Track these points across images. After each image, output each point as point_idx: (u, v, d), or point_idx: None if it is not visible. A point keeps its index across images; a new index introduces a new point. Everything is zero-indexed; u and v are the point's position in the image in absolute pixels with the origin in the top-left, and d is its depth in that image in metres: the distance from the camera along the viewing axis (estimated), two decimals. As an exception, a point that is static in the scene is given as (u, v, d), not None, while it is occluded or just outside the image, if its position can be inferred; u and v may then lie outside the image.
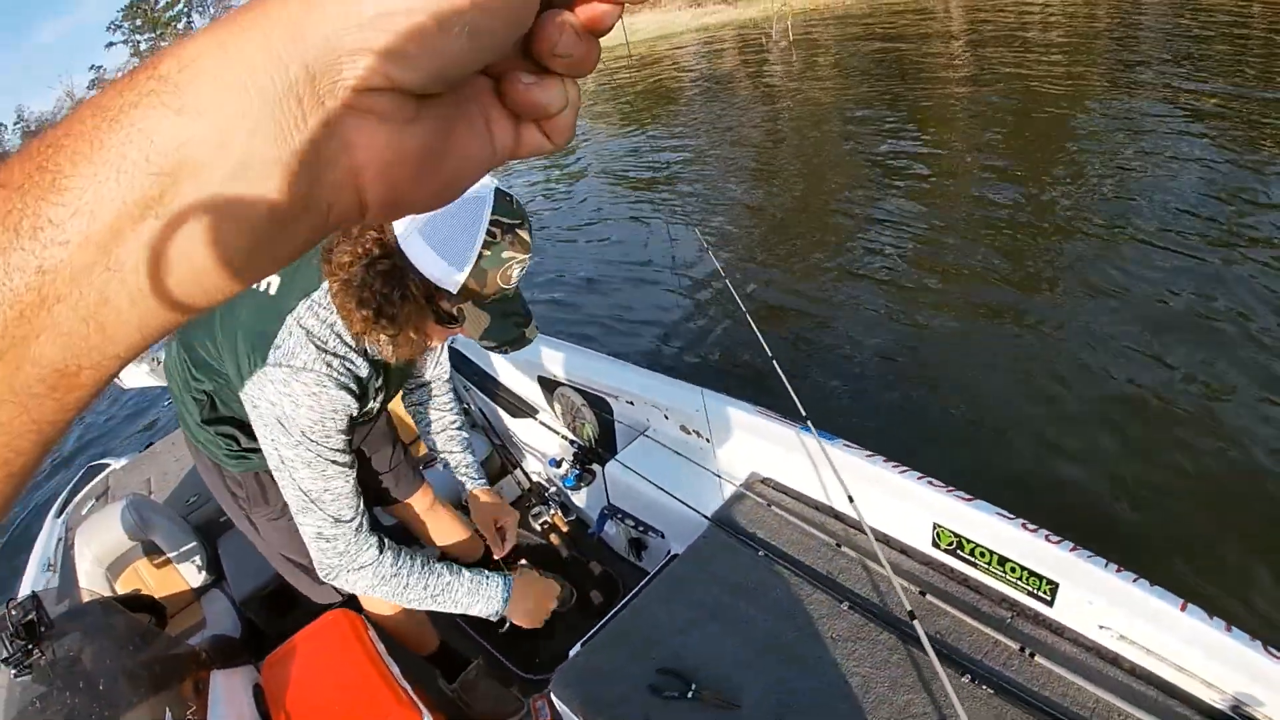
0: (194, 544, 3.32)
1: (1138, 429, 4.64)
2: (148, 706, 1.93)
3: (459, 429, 2.49)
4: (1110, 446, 4.56)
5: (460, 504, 2.82)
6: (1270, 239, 5.99)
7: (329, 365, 1.69)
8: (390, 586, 1.86)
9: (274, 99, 0.28)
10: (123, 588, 3.14)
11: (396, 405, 2.72)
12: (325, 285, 1.65)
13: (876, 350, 5.78)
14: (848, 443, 2.54)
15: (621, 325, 7.11)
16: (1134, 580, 1.96)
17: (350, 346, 1.75)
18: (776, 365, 2.63)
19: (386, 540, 1.89)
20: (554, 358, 3.46)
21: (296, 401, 1.65)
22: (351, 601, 2.44)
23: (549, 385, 3.55)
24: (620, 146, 14.92)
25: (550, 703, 2.21)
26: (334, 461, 1.74)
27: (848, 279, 6.85)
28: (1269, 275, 5.55)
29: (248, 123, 0.28)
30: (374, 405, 1.96)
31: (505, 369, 3.74)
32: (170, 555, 3.26)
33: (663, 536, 2.96)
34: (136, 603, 2.92)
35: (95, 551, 3.13)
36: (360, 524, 1.82)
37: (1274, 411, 4.50)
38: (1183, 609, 1.88)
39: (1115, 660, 2.01)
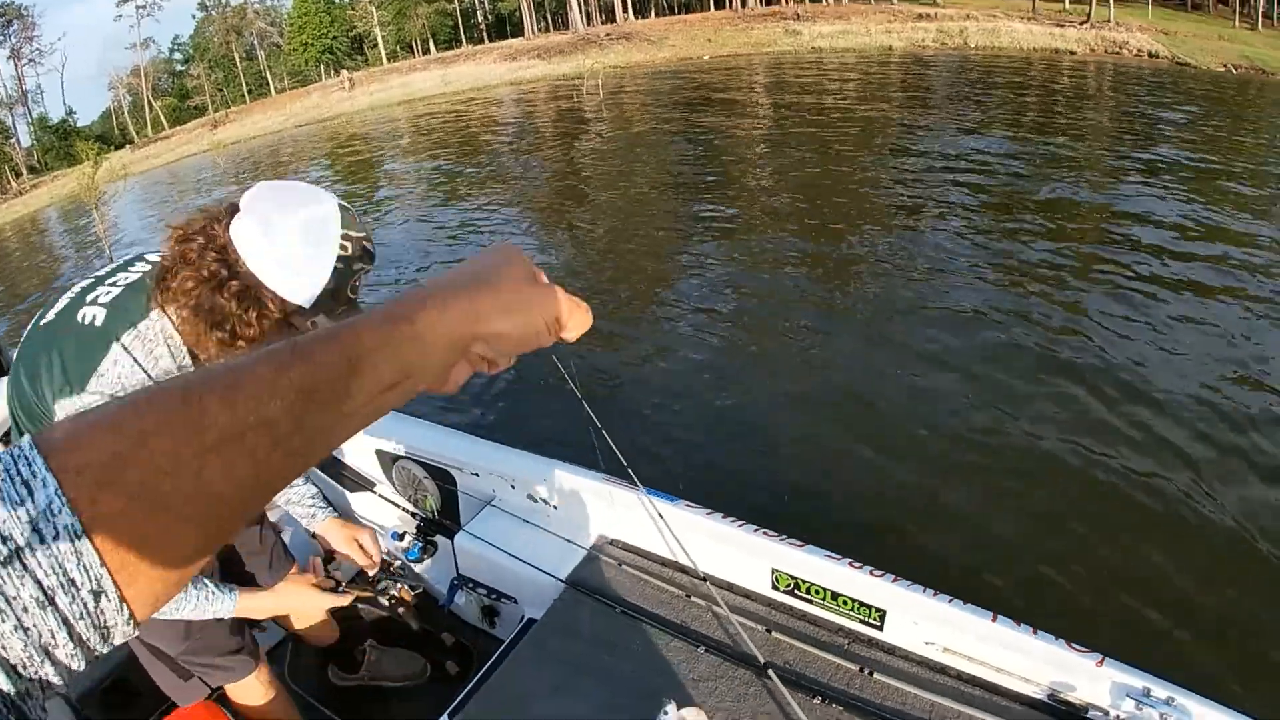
0: None
1: (936, 456, 5.23)
2: None
3: None
4: (916, 480, 5.10)
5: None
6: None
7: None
8: None
9: (452, 348, 0.62)
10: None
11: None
12: (153, 315, 1.61)
13: (702, 409, 6.20)
14: (689, 503, 2.72)
15: (450, 398, 7.05)
16: (950, 601, 2.23)
17: None
18: (608, 438, 2.76)
19: None
20: (391, 430, 3.42)
21: None
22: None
23: (388, 459, 3.52)
24: (436, 203, 15.00)
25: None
26: None
27: (663, 332, 7.26)
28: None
29: (441, 357, 0.62)
30: None
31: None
32: None
33: (515, 602, 3.00)
34: None
35: None
36: None
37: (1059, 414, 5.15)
38: (994, 620, 2.09)
39: (943, 670, 2.25)
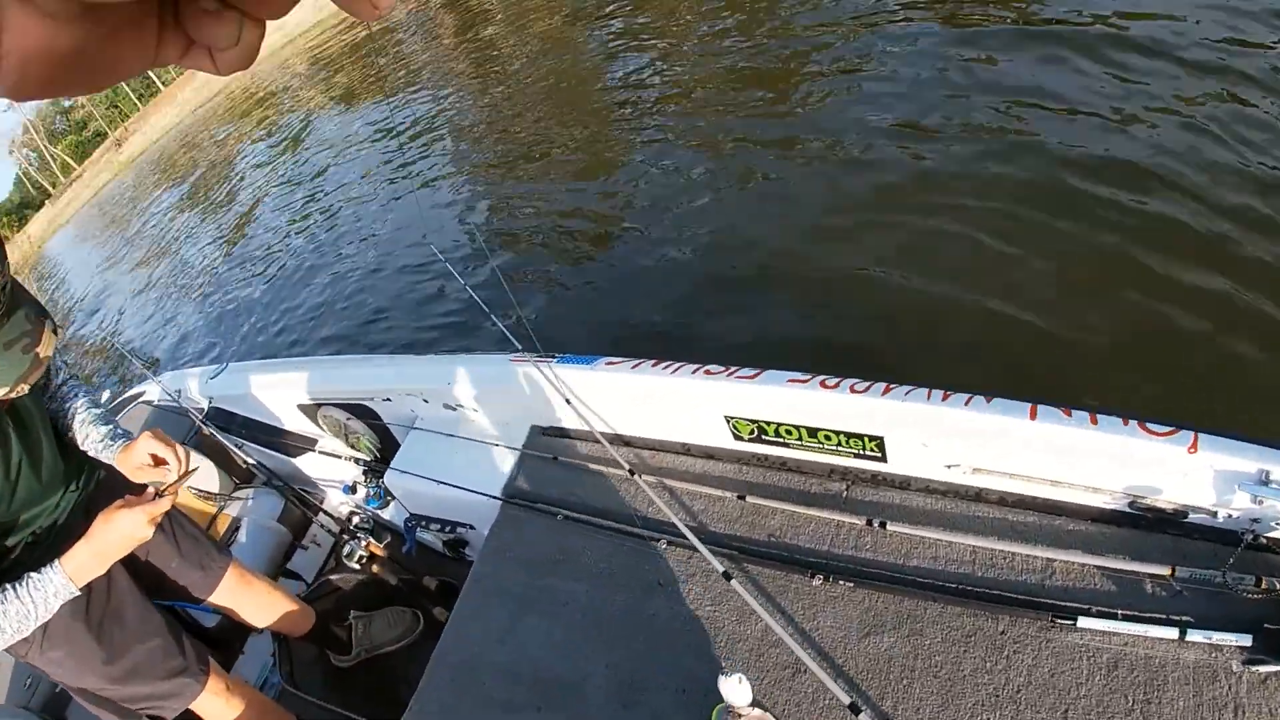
0: None
1: (881, 219, 4.39)
2: None
3: (88, 409, 2.00)
4: (869, 249, 4.26)
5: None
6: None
7: None
8: None
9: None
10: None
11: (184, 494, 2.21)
12: None
13: (600, 262, 5.51)
14: (610, 360, 2.16)
15: (339, 318, 6.66)
16: (966, 401, 1.63)
17: None
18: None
19: None
20: (297, 379, 2.95)
21: None
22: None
23: (310, 410, 3.07)
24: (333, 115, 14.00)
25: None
26: None
27: (547, 195, 6.57)
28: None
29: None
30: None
31: (267, 408, 3.25)
32: None
33: (473, 528, 2.59)
34: None
35: None
36: None
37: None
38: (1033, 415, 1.56)
39: (979, 497, 1.71)
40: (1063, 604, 1.49)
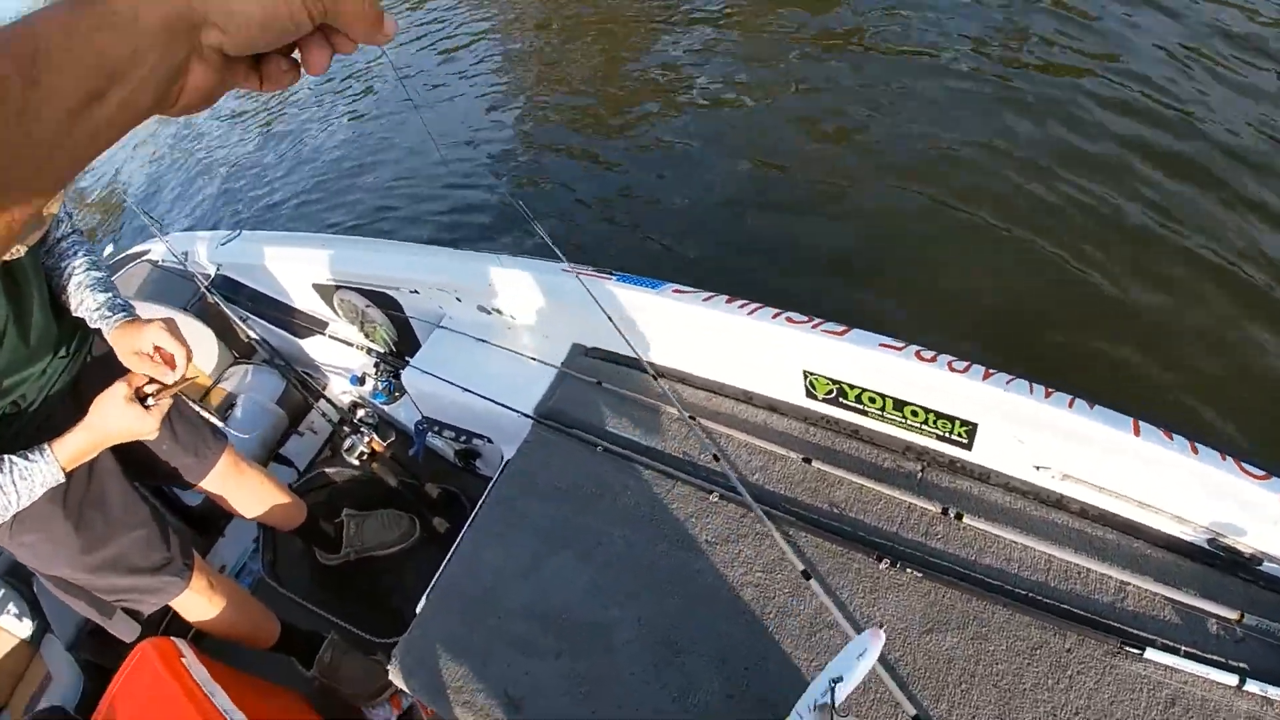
0: (4, 592, 2.76)
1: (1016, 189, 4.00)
2: None
3: (86, 270, 1.80)
4: (994, 226, 3.87)
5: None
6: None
7: None
8: None
9: (170, 36, 0.48)
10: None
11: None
12: None
13: (681, 185, 5.03)
14: (679, 287, 1.99)
15: (379, 205, 6.21)
16: (1070, 404, 1.52)
17: None
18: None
19: None
20: (321, 257, 2.73)
21: None
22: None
23: (326, 291, 2.88)
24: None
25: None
26: None
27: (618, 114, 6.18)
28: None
29: (156, 49, 0.48)
30: None
31: (279, 283, 3.04)
32: None
33: (490, 441, 2.43)
34: None
35: None
36: None
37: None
38: (1136, 431, 1.46)
39: (1060, 504, 1.61)
40: (1132, 631, 1.40)
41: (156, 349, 1.68)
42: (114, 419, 1.57)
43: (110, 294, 1.79)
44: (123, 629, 1.91)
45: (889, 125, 4.63)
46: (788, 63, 5.43)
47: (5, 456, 1.49)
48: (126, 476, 1.89)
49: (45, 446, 1.52)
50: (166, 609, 2.67)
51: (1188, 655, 1.34)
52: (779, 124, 4.94)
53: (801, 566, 1.46)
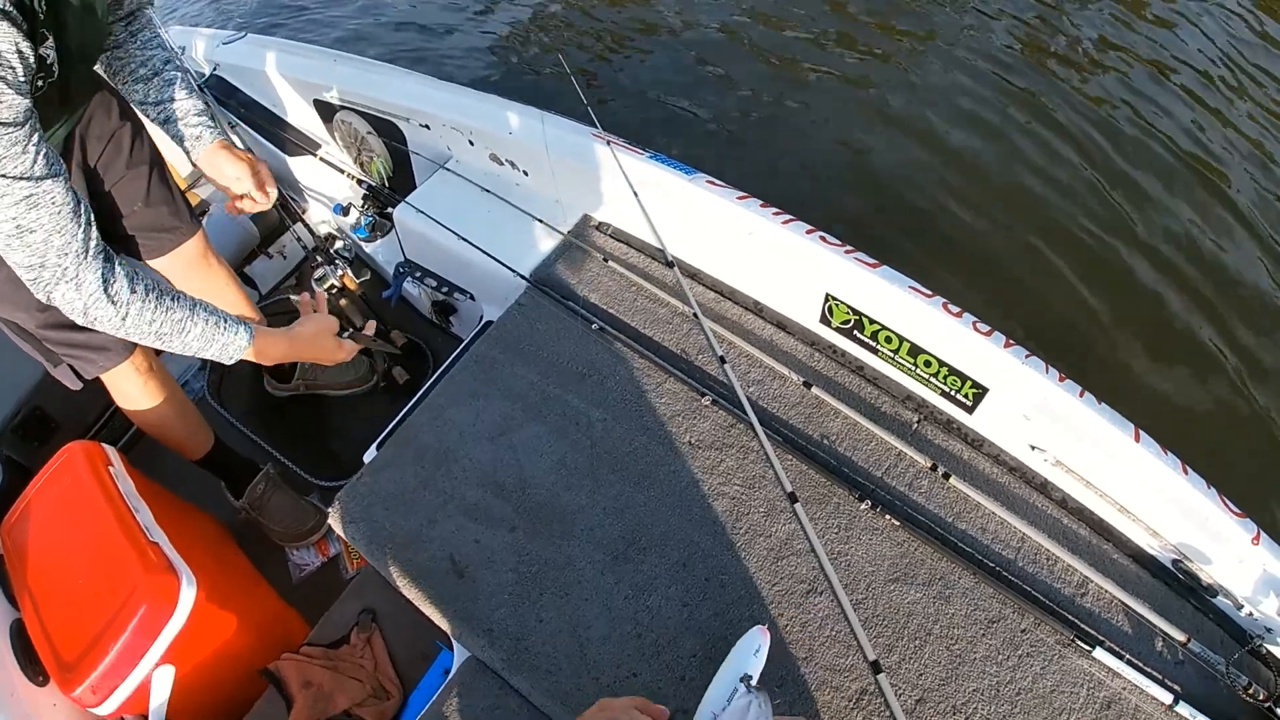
0: None
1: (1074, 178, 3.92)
2: None
3: (174, 69, 1.68)
4: (1039, 203, 3.81)
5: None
6: None
7: None
8: (107, 315, 1.33)
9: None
10: None
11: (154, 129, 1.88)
12: None
13: (731, 78, 4.80)
14: (712, 180, 1.88)
15: (404, 33, 5.77)
16: (1079, 395, 1.50)
17: None
18: (581, 86, 1.93)
19: (116, 263, 1.33)
20: (329, 73, 2.55)
21: None
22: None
23: (327, 110, 2.70)
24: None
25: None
26: (17, 144, 1.14)
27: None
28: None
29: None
30: (50, 51, 1.27)
31: (277, 94, 2.86)
32: None
33: (473, 299, 2.32)
34: None
35: None
36: (84, 250, 1.28)
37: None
38: (1136, 438, 1.46)
39: (1043, 488, 1.60)
40: (1085, 628, 1.41)
41: (249, 197, 1.72)
42: (321, 345, 1.64)
43: (205, 104, 1.71)
44: (68, 376, 1.80)
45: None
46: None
47: (219, 311, 1.46)
48: None
49: (251, 326, 1.50)
50: (101, 414, 2.56)
51: (1130, 664, 1.36)
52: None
53: (790, 489, 1.42)
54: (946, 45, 4.85)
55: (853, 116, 4.38)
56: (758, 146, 4.21)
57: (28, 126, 1.13)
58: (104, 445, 1.79)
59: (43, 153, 1.17)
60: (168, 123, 1.68)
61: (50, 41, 1.23)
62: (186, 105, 1.67)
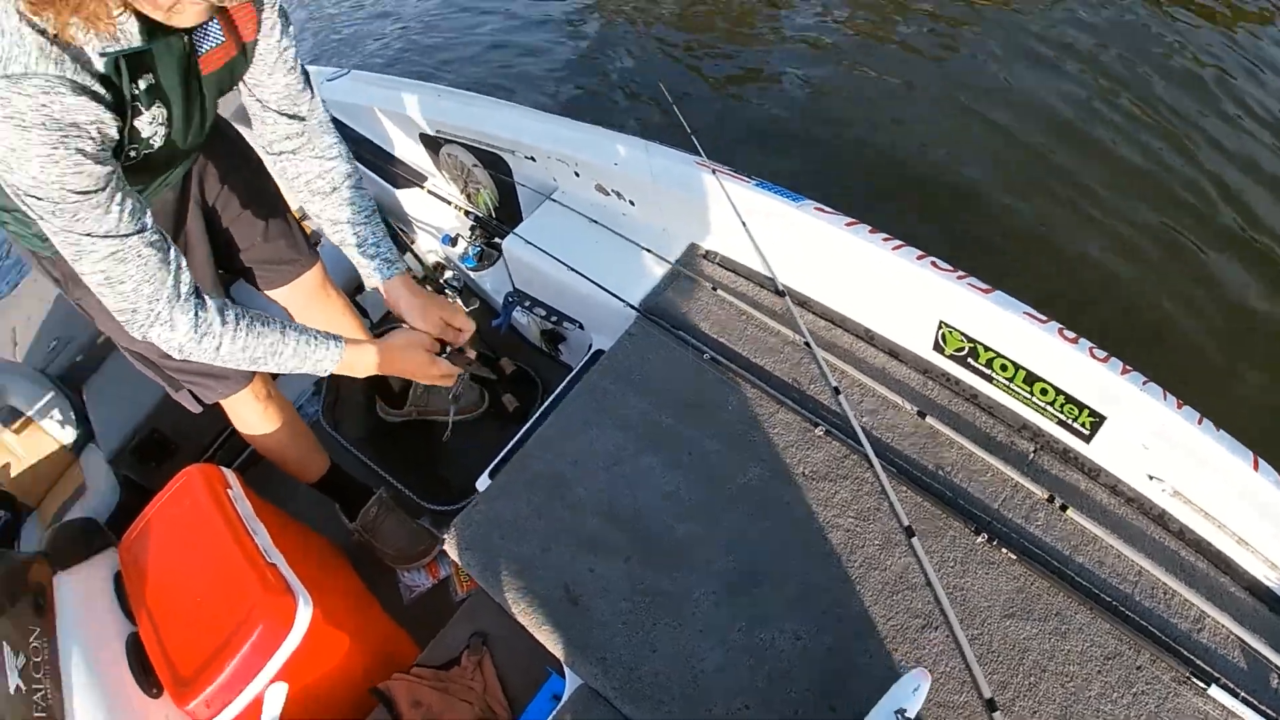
0: (52, 396, 2.82)
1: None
2: None
3: (353, 187, 1.72)
4: (1155, 225, 3.63)
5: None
6: None
7: (60, 64, 1.07)
8: (203, 349, 1.38)
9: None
10: (-8, 464, 2.76)
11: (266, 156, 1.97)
12: None
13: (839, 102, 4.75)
14: (821, 206, 1.90)
15: (512, 70, 5.80)
16: (1198, 421, 1.47)
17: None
18: (679, 111, 1.94)
19: (207, 298, 1.38)
20: (435, 108, 2.66)
21: (24, 124, 1.06)
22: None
23: (433, 144, 2.80)
24: None
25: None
26: (99, 206, 1.18)
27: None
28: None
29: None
30: (155, 130, 1.33)
31: (383, 129, 2.97)
32: (30, 415, 2.77)
33: (581, 328, 2.36)
34: None
35: None
36: (175, 295, 1.32)
37: None
38: (1255, 467, 1.43)
39: (1161, 519, 1.57)
40: (1201, 664, 1.37)
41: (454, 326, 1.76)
42: (412, 358, 1.65)
43: (384, 232, 1.76)
44: (189, 401, 1.90)
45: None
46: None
47: (308, 329, 1.51)
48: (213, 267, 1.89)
49: (341, 339, 1.53)
50: (217, 436, 2.68)
51: (1246, 702, 1.32)
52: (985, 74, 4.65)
53: (907, 522, 1.44)
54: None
55: (961, 141, 4.31)
56: (855, 166, 4.20)
57: (108, 189, 1.17)
58: (223, 469, 1.86)
59: (127, 210, 1.21)
60: (344, 244, 1.72)
61: (148, 115, 1.29)
62: (364, 232, 1.71)
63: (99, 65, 1.11)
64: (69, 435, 2.80)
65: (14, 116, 1.04)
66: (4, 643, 1.46)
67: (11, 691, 1.40)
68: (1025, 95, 4.40)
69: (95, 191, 1.15)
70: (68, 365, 2.96)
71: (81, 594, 1.69)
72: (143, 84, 1.23)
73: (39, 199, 1.12)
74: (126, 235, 1.21)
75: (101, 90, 1.12)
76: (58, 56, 1.05)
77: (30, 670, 1.47)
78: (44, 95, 1.04)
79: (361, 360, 1.58)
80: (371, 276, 1.73)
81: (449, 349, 1.75)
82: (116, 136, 1.19)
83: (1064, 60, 4.59)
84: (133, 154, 1.31)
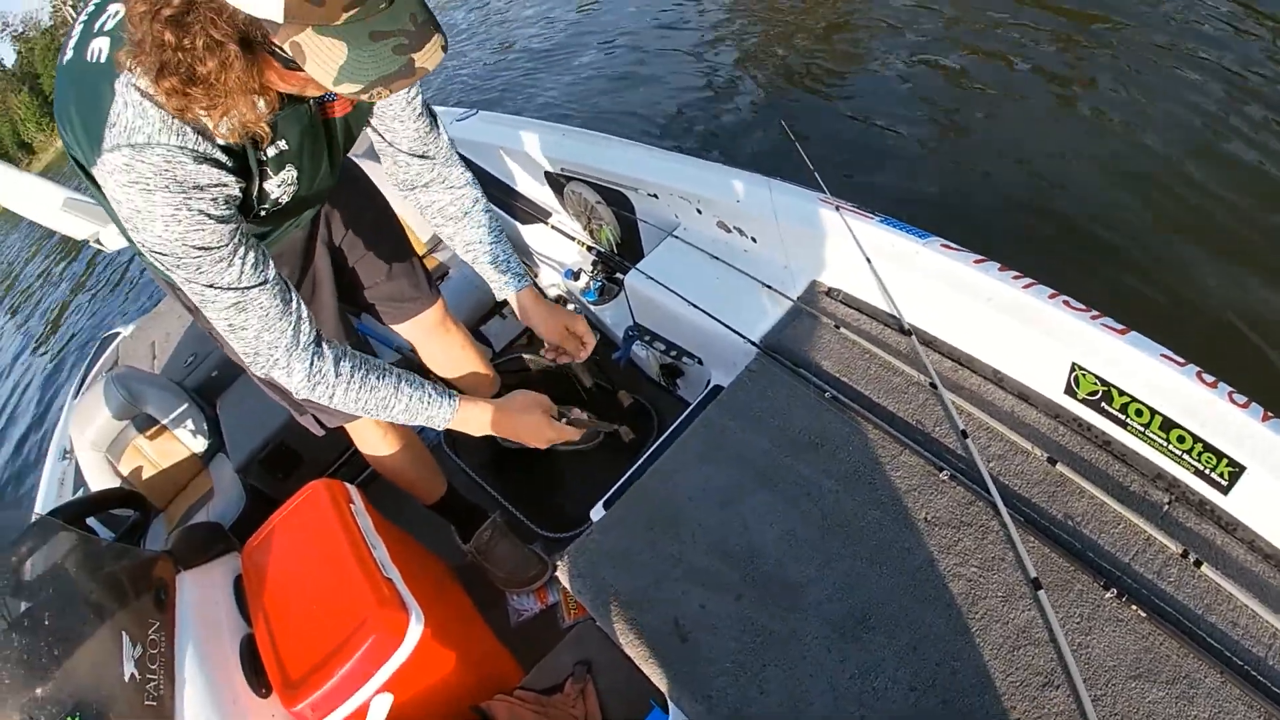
0: (186, 406, 3.08)
1: None
2: (98, 637, 1.53)
3: (483, 210, 1.83)
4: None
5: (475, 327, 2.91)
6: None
7: (181, 135, 1.14)
8: (317, 395, 1.47)
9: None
10: (126, 468, 2.99)
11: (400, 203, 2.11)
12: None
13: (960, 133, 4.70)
14: (948, 243, 1.88)
15: (632, 105, 5.92)
16: None
17: None
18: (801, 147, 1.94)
19: (325, 347, 1.46)
20: (559, 147, 2.76)
21: (149, 187, 1.14)
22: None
23: (557, 182, 2.91)
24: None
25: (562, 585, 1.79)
26: (221, 260, 1.25)
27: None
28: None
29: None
30: (284, 190, 1.43)
31: (508, 167, 3.07)
32: (165, 424, 3.02)
33: (700, 363, 2.39)
34: (105, 501, 2.62)
35: (91, 437, 2.98)
36: (294, 344, 1.40)
37: None
38: None
39: None
40: None
41: (563, 342, 1.90)
42: (529, 424, 1.71)
43: (510, 249, 1.87)
44: (312, 424, 2.00)
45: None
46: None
47: (426, 382, 1.58)
48: (337, 304, 1.98)
49: (456, 399, 1.60)
50: (341, 453, 2.83)
51: None
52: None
53: (1034, 574, 1.43)
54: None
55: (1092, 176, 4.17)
56: (983, 202, 4.13)
57: (230, 245, 1.24)
58: (346, 484, 1.95)
59: (249, 264, 1.28)
60: (477, 262, 1.82)
61: (277, 179, 1.37)
62: (495, 250, 1.82)
63: (223, 139, 1.19)
64: (200, 444, 3.02)
65: (139, 181, 1.12)
66: (123, 633, 1.55)
67: (126, 679, 1.49)
68: (1165, 121, 4.23)
69: (218, 248, 1.23)
70: (202, 379, 3.20)
71: (201, 593, 1.81)
72: (271, 151, 1.32)
73: (163, 254, 1.20)
74: (248, 288, 1.29)
75: (224, 159, 1.21)
76: (179, 129, 1.13)
77: (146, 661, 1.56)
78: (166, 162, 1.12)
79: (476, 419, 1.65)
80: (504, 289, 1.84)
81: (565, 416, 1.80)
82: (240, 196, 1.28)
83: (1208, 83, 4.39)
84: (262, 213, 1.42)
